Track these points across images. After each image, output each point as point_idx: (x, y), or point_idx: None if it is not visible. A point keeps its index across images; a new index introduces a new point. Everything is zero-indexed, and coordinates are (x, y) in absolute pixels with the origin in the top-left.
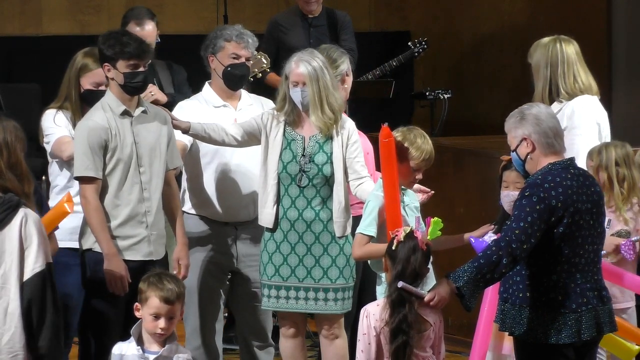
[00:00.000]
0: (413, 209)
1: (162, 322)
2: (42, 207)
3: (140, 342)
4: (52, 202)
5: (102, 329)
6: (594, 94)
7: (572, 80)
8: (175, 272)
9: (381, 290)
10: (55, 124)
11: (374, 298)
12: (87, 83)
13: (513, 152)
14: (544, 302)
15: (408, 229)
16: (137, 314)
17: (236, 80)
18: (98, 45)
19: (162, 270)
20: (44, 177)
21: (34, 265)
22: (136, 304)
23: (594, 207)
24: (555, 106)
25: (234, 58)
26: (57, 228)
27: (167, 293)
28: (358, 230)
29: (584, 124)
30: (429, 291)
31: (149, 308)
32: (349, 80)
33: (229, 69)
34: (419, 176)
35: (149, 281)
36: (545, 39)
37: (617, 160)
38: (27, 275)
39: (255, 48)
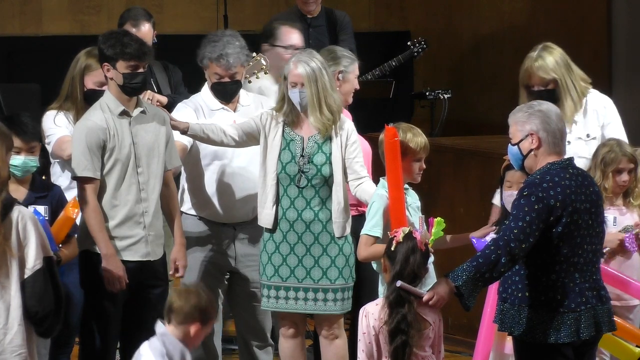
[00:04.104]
0: (415, 209)
1: None
2: (62, 208)
3: None
4: None
5: (102, 329)
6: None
7: (580, 78)
8: (171, 272)
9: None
10: (55, 125)
11: (372, 298)
12: (90, 82)
13: (514, 145)
14: (543, 302)
15: (407, 230)
16: None
17: (221, 97)
18: (98, 44)
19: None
20: (44, 177)
21: (34, 262)
22: None
23: (592, 206)
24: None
25: (217, 78)
26: (76, 232)
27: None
28: (363, 231)
29: (618, 117)
30: (427, 291)
31: None
32: (345, 86)
33: (215, 86)
34: (423, 166)
35: None
36: (544, 52)
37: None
38: (27, 273)
39: (252, 50)
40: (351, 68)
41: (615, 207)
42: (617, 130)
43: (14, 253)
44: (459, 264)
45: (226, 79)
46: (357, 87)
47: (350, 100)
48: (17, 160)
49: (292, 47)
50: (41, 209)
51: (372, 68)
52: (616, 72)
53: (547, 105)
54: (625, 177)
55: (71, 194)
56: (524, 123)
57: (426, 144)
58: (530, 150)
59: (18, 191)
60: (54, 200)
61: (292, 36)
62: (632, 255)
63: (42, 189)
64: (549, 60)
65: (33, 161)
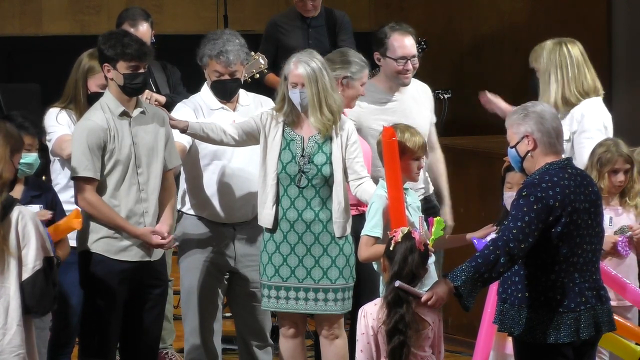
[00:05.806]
0: (415, 209)
1: None
2: (55, 208)
3: None
4: None
5: (102, 329)
6: (599, 94)
7: (581, 83)
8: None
9: None
10: (57, 123)
11: (372, 297)
12: (94, 85)
13: (512, 148)
14: (543, 302)
15: (406, 230)
16: None
17: (221, 95)
18: (98, 45)
19: None
20: (44, 177)
21: (33, 263)
22: None
23: (591, 206)
24: (564, 110)
25: (217, 75)
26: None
27: None
28: (364, 231)
29: (593, 127)
30: (426, 291)
31: None
32: (348, 91)
33: (215, 84)
34: (422, 164)
35: None
36: (549, 42)
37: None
38: (27, 273)
39: (251, 50)
40: (358, 75)
41: (611, 207)
42: (587, 141)
43: (13, 253)
44: (459, 264)
45: (226, 77)
46: (363, 93)
47: (354, 105)
48: (30, 157)
49: (405, 58)
50: (36, 208)
51: (372, 68)
52: (616, 72)
53: (541, 106)
54: (621, 177)
55: (71, 192)
56: (519, 125)
57: (424, 143)
58: (527, 152)
59: (15, 190)
60: (49, 200)
61: (402, 44)
62: (626, 257)
63: (36, 188)
64: (543, 52)
65: (39, 158)
